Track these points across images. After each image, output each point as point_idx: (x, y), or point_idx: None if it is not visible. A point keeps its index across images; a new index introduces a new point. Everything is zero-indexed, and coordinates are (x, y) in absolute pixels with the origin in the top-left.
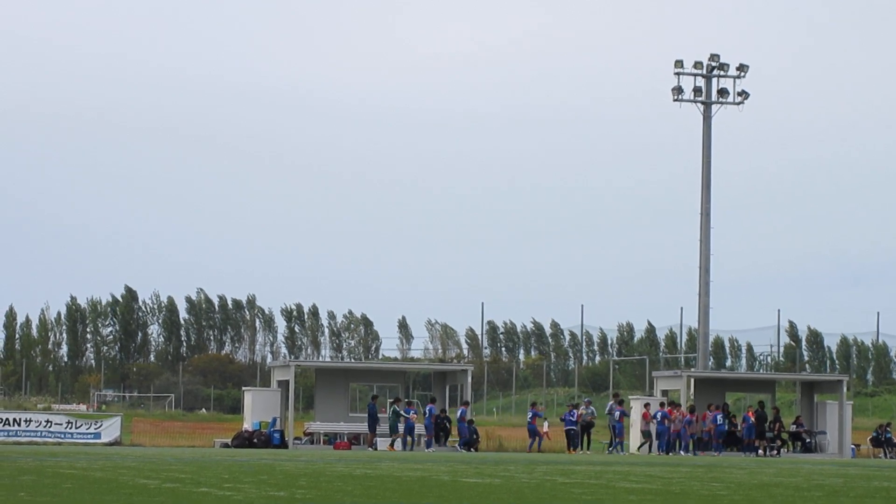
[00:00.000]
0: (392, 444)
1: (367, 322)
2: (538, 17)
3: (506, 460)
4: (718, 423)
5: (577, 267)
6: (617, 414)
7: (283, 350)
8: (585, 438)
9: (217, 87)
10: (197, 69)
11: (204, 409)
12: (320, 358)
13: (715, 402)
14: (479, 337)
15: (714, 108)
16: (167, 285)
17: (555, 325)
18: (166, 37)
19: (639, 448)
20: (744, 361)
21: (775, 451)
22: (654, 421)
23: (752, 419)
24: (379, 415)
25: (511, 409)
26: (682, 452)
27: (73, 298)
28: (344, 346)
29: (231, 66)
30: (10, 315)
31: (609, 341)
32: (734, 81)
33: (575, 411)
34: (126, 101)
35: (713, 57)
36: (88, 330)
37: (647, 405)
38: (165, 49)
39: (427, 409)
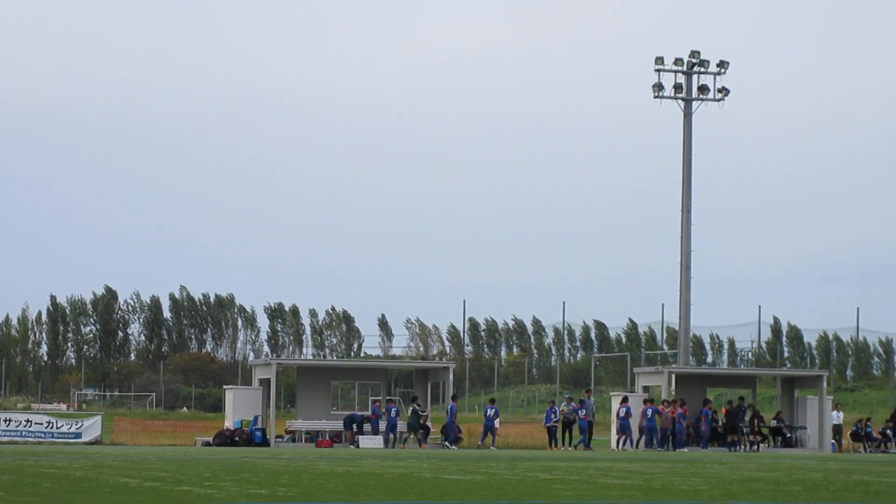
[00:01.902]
0: (405, 443)
1: (348, 319)
2: (518, 16)
3: (487, 457)
4: (648, 416)
5: (559, 264)
6: (582, 412)
7: (266, 348)
8: (567, 435)
9: (199, 88)
10: (180, 72)
11: (185, 408)
12: (302, 356)
13: (688, 399)
14: (461, 334)
15: (694, 104)
16: (148, 284)
17: (536, 321)
18: (151, 41)
19: (636, 444)
20: (725, 357)
21: (755, 447)
22: (646, 417)
23: (721, 414)
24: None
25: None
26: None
27: (53, 298)
28: (326, 343)
29: (212, 68)
30: None
31: (591, 337)
32: (714, 78)
33: (556, 408)
34: (106, 101)
35: (694, 54)
36: (70, 329)
37: (645, 401)
38: (149, 53)
39: (449, 407)
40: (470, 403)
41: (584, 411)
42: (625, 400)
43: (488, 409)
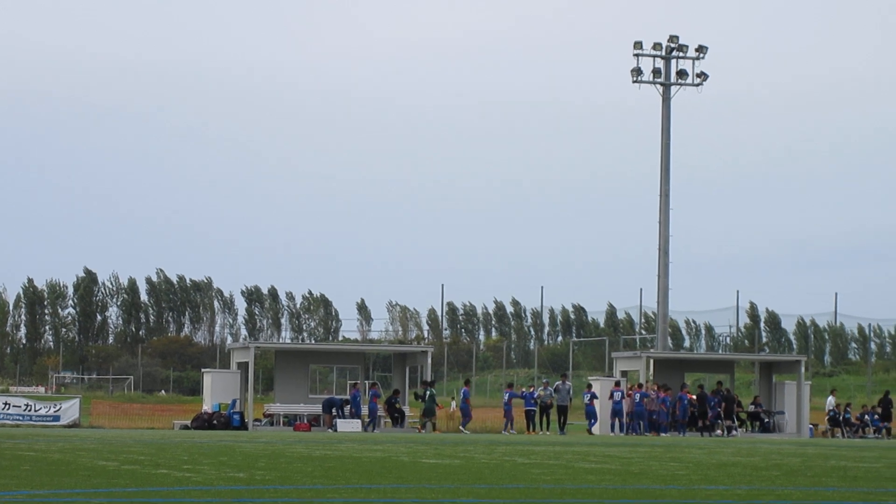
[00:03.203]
0: (423, 426)
1: (326, 303)
2: (495, 0)
3: (465, 441)
4: (637, 401)
5: (537, 249)
6: (587, 397)
7: (243, 331)
8: (545, 419)
9: (176, 67)
10: (158, 51)
11: (163, 391)
12: (280, 339)
13: (667, 383)
14: (440, 318)
15: (673, 89)
16: (124, 266)
17: (516, 303)
18: (132, 21)
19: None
20: (703, 342)
21: (732, 432)
22: (634, 402)
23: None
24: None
25: (471, 390)
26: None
27: (30, 280)
28: (304, 327)
29: (192, 48)
30: None
31: (570, 322)
32: (693, 63)
33: (535, 391)
34: (82, 81)
35: (672, 38)
36: (47, 312)
37: (631, 386)
38: (131, 32)
39: (462, 392)
40: (448, 387)
41: (589, 396)
42: (617, 384)
43: (506, 394)
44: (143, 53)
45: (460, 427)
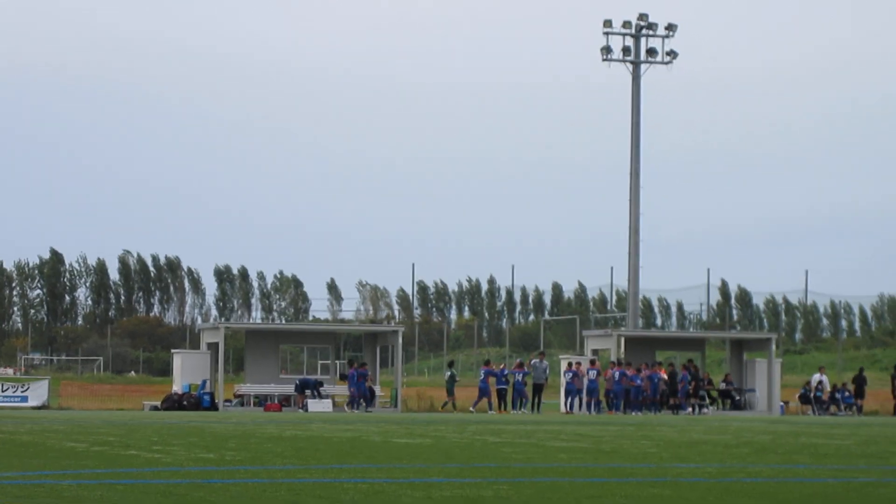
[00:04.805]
0: (443, 406)
1: (297, 283)
2: None
3: (436, 420)
4: (616, 379)
5: (508, 227)
6: (569, 375)
7: (214, 312)
8: (519, 399)
9: (146, 39)
10: (132, 23)
11: (133, 372)
12: (251, 319)
13: (637, 362)
14: (410, 297)
15: (643, 67)
16: (92, 246)
17: (492, 280)
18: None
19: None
20: (674, 320)
21: (706, 409)
22: (613, 380)
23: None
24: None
25: (442, 370)
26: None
27: (0, 263)
28: (274, 307)
29: (169, 21)
30: None
31: (543, 300)
32: (663, 41)
33: (505, 369)
34: (49, 56)
35: (642, 16)
36: (15, 293)
37: (612, 363)
38: (111, 8)
39: (482, 371)
40: (419, 367)
41: (571, 374)
42: (592, 363)
43: (517, 374)
44: (118, 26)
45: (480, 406)
